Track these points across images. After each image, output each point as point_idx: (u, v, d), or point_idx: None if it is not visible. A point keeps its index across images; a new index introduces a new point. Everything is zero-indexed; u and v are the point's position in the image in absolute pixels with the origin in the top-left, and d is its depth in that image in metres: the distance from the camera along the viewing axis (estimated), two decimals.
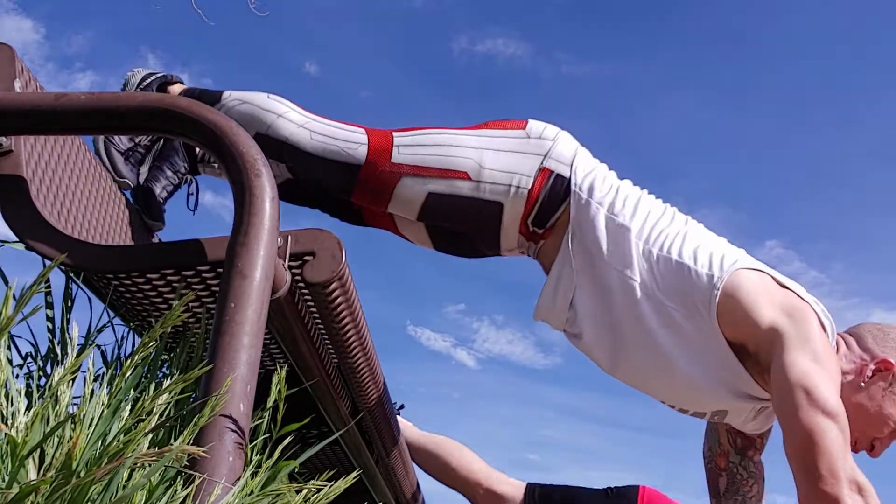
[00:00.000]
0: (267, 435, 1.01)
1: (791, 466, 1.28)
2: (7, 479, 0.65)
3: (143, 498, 0.73)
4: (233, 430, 0.82)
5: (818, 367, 1.28)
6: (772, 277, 1.43)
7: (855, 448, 1.48)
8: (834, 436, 1.23)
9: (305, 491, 0.86)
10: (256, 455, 0.98)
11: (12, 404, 0.77)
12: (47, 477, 0.63)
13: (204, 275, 1.11)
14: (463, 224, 1.54)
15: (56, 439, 0.73)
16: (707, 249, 1.43)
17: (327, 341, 1.30)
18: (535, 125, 1.55)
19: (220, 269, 1.01)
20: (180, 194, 1.74)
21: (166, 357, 1.13)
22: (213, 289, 1.14)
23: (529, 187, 1.49)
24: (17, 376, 1.02)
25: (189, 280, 1.13)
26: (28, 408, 0.78)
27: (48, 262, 1.04)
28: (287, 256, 1.05)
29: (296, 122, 1.52)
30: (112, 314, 1.20)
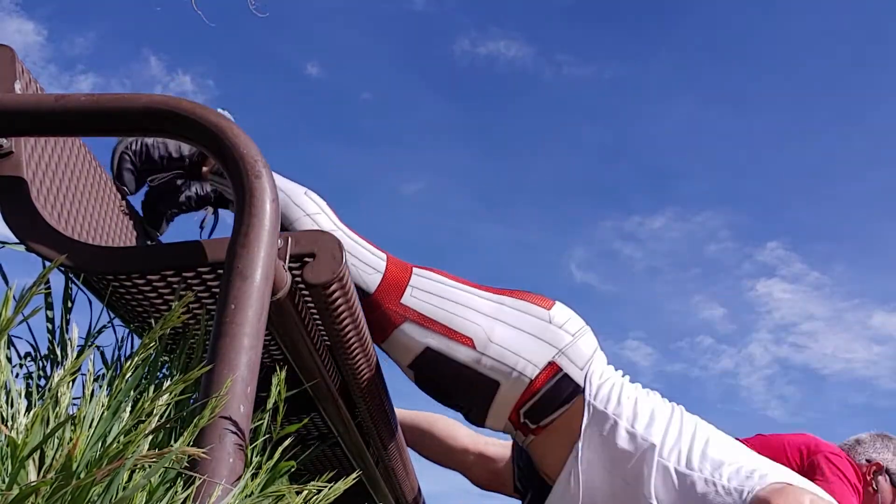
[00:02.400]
0: (267, 436, 1.01)
1: None
2: (7, 480, 0.65)
3: (144, 499, 0.73)
4: (233, 432, 0.82)
5: None
6: (800, 488, 1.31)
7: None
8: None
9: (306, 492, 0.86)
10: (256, 456, 0.98)
11: (12, 405, 0.77)
12: (47, 478, 0.63)
13: (204, 276, 1.11)
14: (453, 389, 1.46)
15: (56, 440, 0.73)
16: (731, 462, 1.32)
17: (327, 342, 1.30)
18: (560, 312, 1.46)
19: (221, 271, 1.01)
20: (191, 217, 1.72)
21: (166, 358, 1.13)
22: (214, 290, 1.14)
23: (532, 377, 1.39)
24: (17, 376, 1.03)
25: (189, 281, 1.13)
26: (28, 409, 0.78)
27: (48, 264, 1.04)
28: (287, 258, 1.05)
29: (321, 226, 1.46)
30: (112, 315, 1.20)
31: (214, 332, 0.87)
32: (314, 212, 1.49)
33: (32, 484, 0.61)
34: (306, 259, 1.07)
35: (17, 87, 1.13)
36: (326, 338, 1.28)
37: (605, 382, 1.42)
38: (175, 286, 1.14)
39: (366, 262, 1.45)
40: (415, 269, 1.48)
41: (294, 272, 1.07)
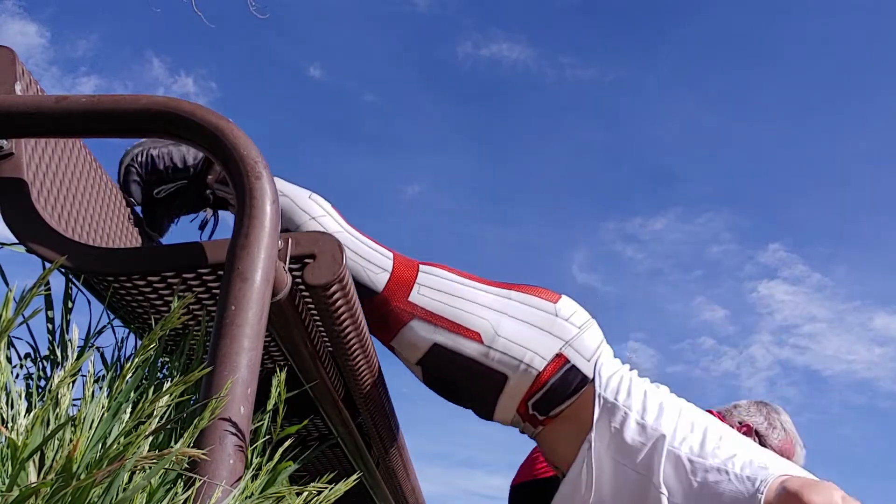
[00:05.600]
0: (267, 437, 1.01)
1: None
2: (7, 481, 0.65)
3: (144, 500, 0.73)
4: (233, 433, 0.82)
5: None
6: (831, 485, 1.31)
7: None
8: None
9: (306, 493, 0.86)
10: (257, 457, 0.98)
11: (12, 407, 0.77)
12: (48, 479, 0.63)
13: (204, 277, 1.11)
14: (461, 384, 1.47)
15: (56, 442, 0.73)
16: (743, 455, 1.34)
17: (328, 343, 1.30)
18: (566, 305, 1.47)
19: (221, 272, 1.01)
20: (191, 218, 1.72)
21: (166, 359, 1.13)
22: (214, 291, 1.14)
23: (540, 369, 1.41)
24: (17, 377, 1.03)
25: (189, 282, 1.13)
26: (28, 410, 0.78)
27: (48, 265, 1.04)
28: (287, 259, 1.05)
29: (328, 228, 1.47)
30: (112, 316, 1.20)
31: (214, 334, 0.87)
32: (320, 214, 1.50)
33: (33, 485, 0.61)
34: (306, 260, 1.07)
35: (18, 88, 1.13)
36: (327, 339, 1.28)
37: (614, 375, 1.43)
38: (175, 287, 1.14)
39: (373, 261, 1.46)
40: (421, 267, 1.49)
41: (294, 273, 1.07)
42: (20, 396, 0.77)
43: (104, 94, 1.04)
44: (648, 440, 1.36)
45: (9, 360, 0.81)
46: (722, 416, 2.14)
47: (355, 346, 1.29)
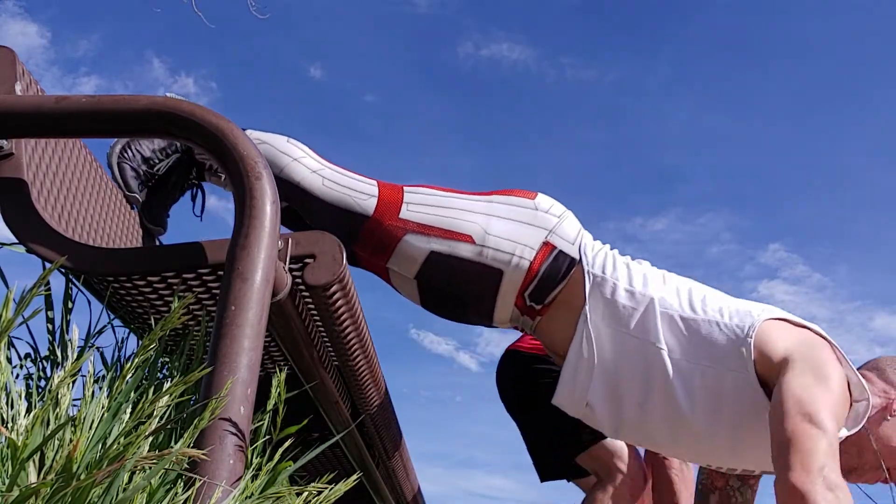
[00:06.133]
0: (267, 437, 1.01)
1: (774, 468, 1.27)
2: (7, 481, 0.65)
3: (144, 500, 0.73)
4: (233, 433, 0.82)
5: (819, 387, 1.30)
6: (791, 322, 1.46)
7: (892, 476, 1.48)
8: (816, 441, 1.23)
9: (306, 493, 0.86)
10: (257, 458, 0.98)
11: (13, 407, 0.77)
12: (48, 480, 0.63)
13: (204, 277, 1.11)
14: (461, 287, 1.53)
15: (56, 442, 0.73)
16: (729, 305, 1.46)
17: (328, 344, 1.30)
18: (543, 199, 1.57)
19: (221, 272, 1.01)
20: (184, 200, 1.73)
21: (166, 359, 1.13)
22: (214, 291, 1.14)
23: (531, 259, 1.50)
24: (17, 377, 1.03)
25: (189, 282, 1.13)
26: (28, 410, 0.78)
27: (48, 265, 1.04)
28: (287, 259, 1.05)
29: (310, 167, 1.53)
30: (112, 316, 1.20)
31: (214, 334, 0.87)
32: (300, 156, 1.55)
33: (33, 485, 0.61)
34: (306, 260, 1.07)
35: (18, 88, 1.13)
36: (327, 339, 1.28)
37: (598, 253, 1.54)
38: (175, 287, 1.14)
39: (359, 190, 1.54)
40: (405, 188, 1.57)
41: (294, 273, 1.07)
42: (20, 396, 0.77)
43: (104, 94, 1.04)
44: (639, 304, 1.46)
45: (9, 360, 0.81)
46: None
47: (355, 347, 1.30)
